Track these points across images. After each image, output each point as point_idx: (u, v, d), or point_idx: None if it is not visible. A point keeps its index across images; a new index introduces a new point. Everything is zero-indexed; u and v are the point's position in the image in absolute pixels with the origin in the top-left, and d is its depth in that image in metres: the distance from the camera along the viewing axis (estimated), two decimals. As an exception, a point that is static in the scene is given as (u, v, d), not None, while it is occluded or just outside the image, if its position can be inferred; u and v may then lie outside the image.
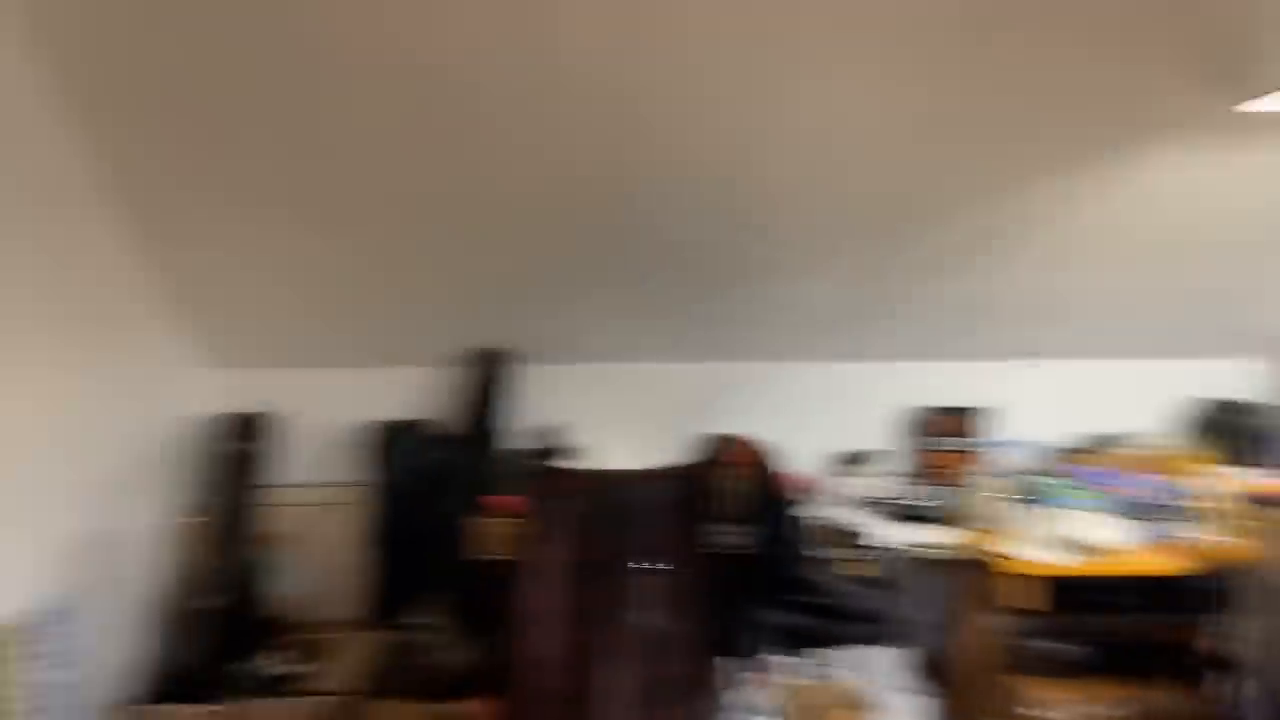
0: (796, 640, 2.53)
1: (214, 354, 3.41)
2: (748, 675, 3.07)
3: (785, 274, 3.28)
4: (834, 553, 2.85)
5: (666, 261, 3.21)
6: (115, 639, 2.87)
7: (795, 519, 2.36)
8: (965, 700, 3.09)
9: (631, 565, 2.31)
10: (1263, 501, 2.39)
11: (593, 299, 3.36)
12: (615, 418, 3.51)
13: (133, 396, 3.05)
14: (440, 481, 3.26)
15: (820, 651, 2.94)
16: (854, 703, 3.00)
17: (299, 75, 2.47)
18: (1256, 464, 3.15)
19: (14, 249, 2.47)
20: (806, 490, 3.25)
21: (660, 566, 2.31)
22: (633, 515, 2.34)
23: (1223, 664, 2.59)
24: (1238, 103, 2.63)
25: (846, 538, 2.89)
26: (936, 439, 3.40)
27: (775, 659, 3.00)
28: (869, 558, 2.52)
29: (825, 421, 3.52)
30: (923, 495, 3.32)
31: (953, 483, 3.32)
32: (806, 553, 2.38)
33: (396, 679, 2.62)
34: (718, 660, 2.46)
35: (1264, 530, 2.43)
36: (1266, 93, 2.52)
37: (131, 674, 2.92)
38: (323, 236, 3.00)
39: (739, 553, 2.32)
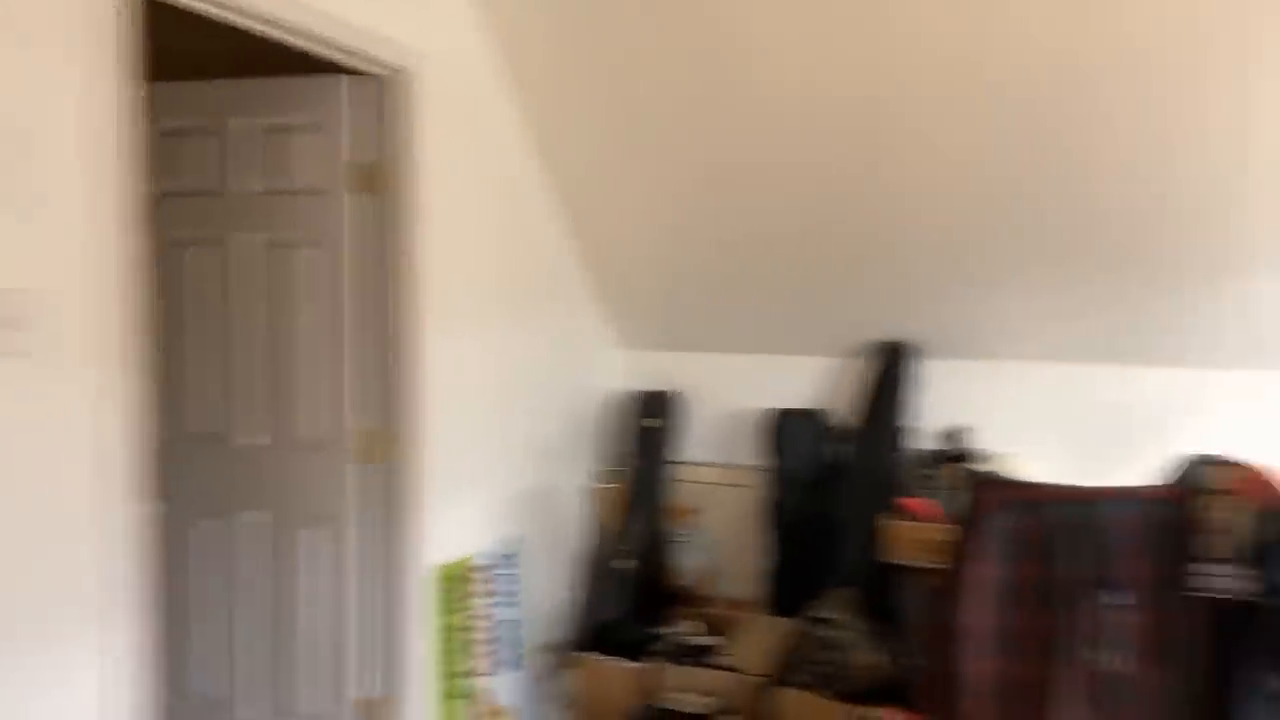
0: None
1: (625, 336, 3.65)
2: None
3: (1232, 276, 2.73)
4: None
5: (1094, 256, 2.84)
6: (547, 586, 3.19)
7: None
8: None
9: (1092, 595, 2.04)
10: None
11: (1012, 291, 3.07)
12: (1036, 422, 3.18)
13: (566, 372, 3.35)
14: (838, 474, 3.19)
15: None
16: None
17: (717, 76, 2.58)
18: None
19: (484, 241, 2.82)
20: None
21: (1129, 601, 2.02)
22: (1098, 538, 2.06)
23: None
24: None
25: None
26: None
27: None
28: None
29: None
30: None
31: None
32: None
33: (807, 670, 2.59)
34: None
35: None
36: None
37: (559, 620, 3.23)
38: (731, 227, 3.08)
39: (1236, 599, 1.95)
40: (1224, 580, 1.97)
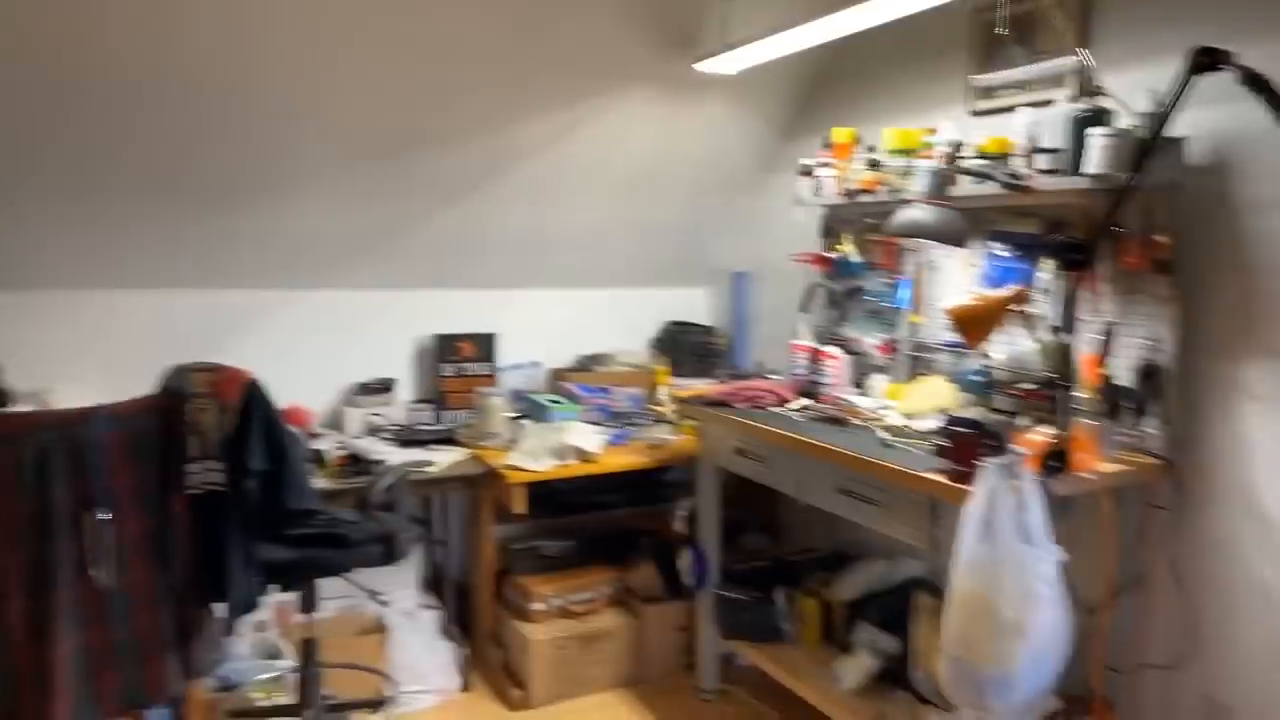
0: (302, 574, 2.46)
1: None
2: (248, 619, 2.91)
3: (285, 197, 3.09)
4: (340, 481, 2.81)
5: (145, 177, 2.83)
6: None
7: (291, 450, 2.25)
8: (477, 603, 3.31)
9: (86, 516, 2.01)
10: (705, 404, 2.90)
11: (52, 215, 2.82)
12: (81, 354, 3.01)
13: None
14: None
15: (329, 582, 2.91)
16: (369, 627, 3.04)
17: None
18: (703, 374, 3.81)
19: None
20: (307, 420, 3.14)
21: (120, 514, 2.05)
22: (86, 458, 2.03)
23: (683, 540, 3.12)
24: (694, 61, 3.08)
25: (355, 464, 2.86)
26: (446, 364, 3.51)
27: (283, 597, 2.90)
28: (380, 483, 2.51)
29: (336, 350, 3.42)
30: (434, 419, 3.42)
31: (462, 405, 3.48)
32: (305, 484, 2.29)
33: None
34: (210, 608, 2.29)
35: (702, 427, 2.96)
36: (712, 55, 2.99)
37: None
38: None
39: (224, 490, 2.15)
40: (212, 475, 2.16)
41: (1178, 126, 2.11)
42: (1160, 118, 1.88)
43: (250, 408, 2.19)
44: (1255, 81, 1.80)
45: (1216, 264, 2.13)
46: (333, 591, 3.00)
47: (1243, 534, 2.10)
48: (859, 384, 3.02)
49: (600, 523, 3.42)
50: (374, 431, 3.26)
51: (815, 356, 3.04)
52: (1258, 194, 2.05)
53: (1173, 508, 2.21)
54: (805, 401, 2.84)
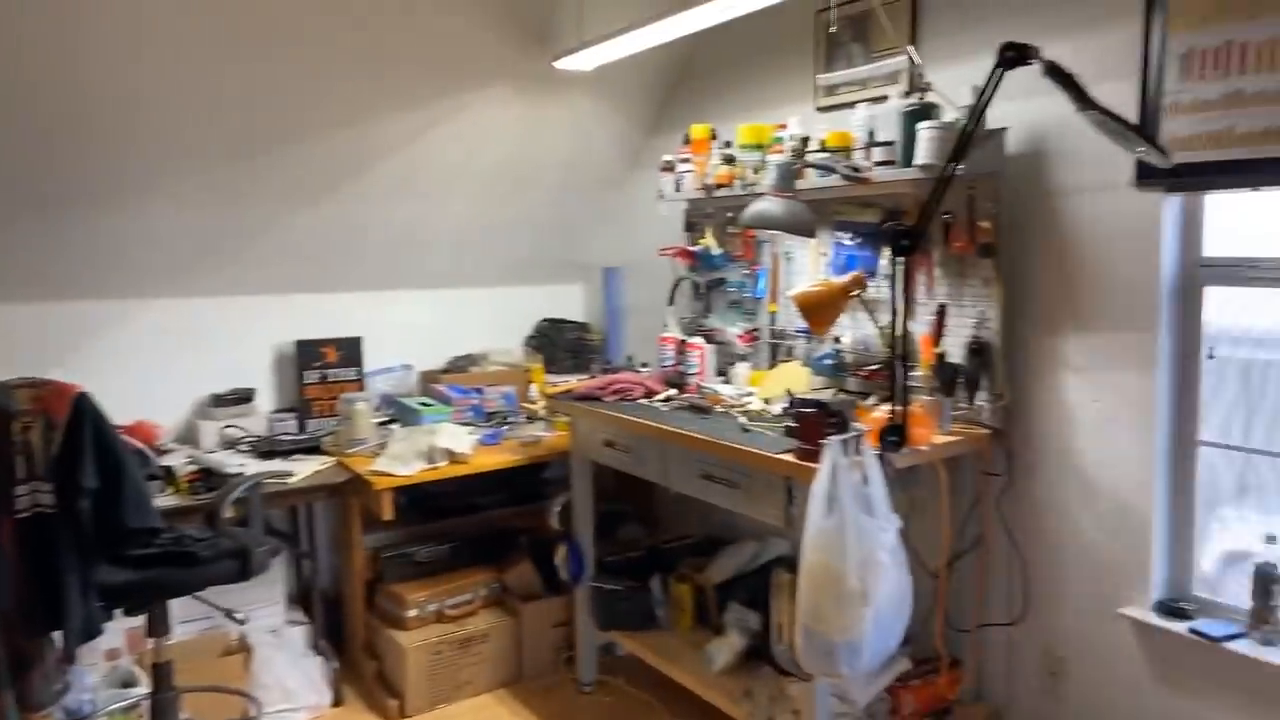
0: (147, 596, 2.33)
1: None
2: (93, 647, 2.75)
3: (129, 201, 2.92)
4: (191, 497, 2.68)
5: None
6: None
7: (127, 466, 2.13)
8: (349, 615, 3.22)
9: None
10: (574, 399, 2.91)
11: None
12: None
13: None
14: None
15: (186, 603, 2.77)
16: (232, 648, 2.91)
17: None
18: (579, 370, 3.83)
19: None
20: (155, 435, 2.99)
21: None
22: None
23: (558, 536, 3.12)
24: (553, 59, 3.09)
25: (208, 479, 2.73)
26: (309, 371, 3.39)
27: (134, 621, 2.74)
28: (228, 497, 2.41)
29: (188, 361, 3.25)
30: (297, 428, 3.31)
31: (328, 413, 3.38)
32: (145, 501, 2.18)
33: None
34: (48, 637, 2.15)
35: (573, 422, 2.97)
36: (570, 53, 3.00)
37: None
38: None
39: (56, 511, 2.02)
40: (32, 497, 2.02)
41: (998, 118, 2.27)
42: (976, 110, 2.01)
43: (79, 423, 2.07)
44: (1057, 73, 1.94)
45: (1036, 246, 2.29)
46: (191, 613, 2.88)
47: (1068, 495, 2.27)
48: (723, 373, 3.10)
49: (478, 524, 3.38)
50: (232, 444, 3.13)
51: (681, 348, 3.10)
52: (1068, 179, 2.22)
53: (1005, 474, 2.37)
54: (671, 392, 2.89)
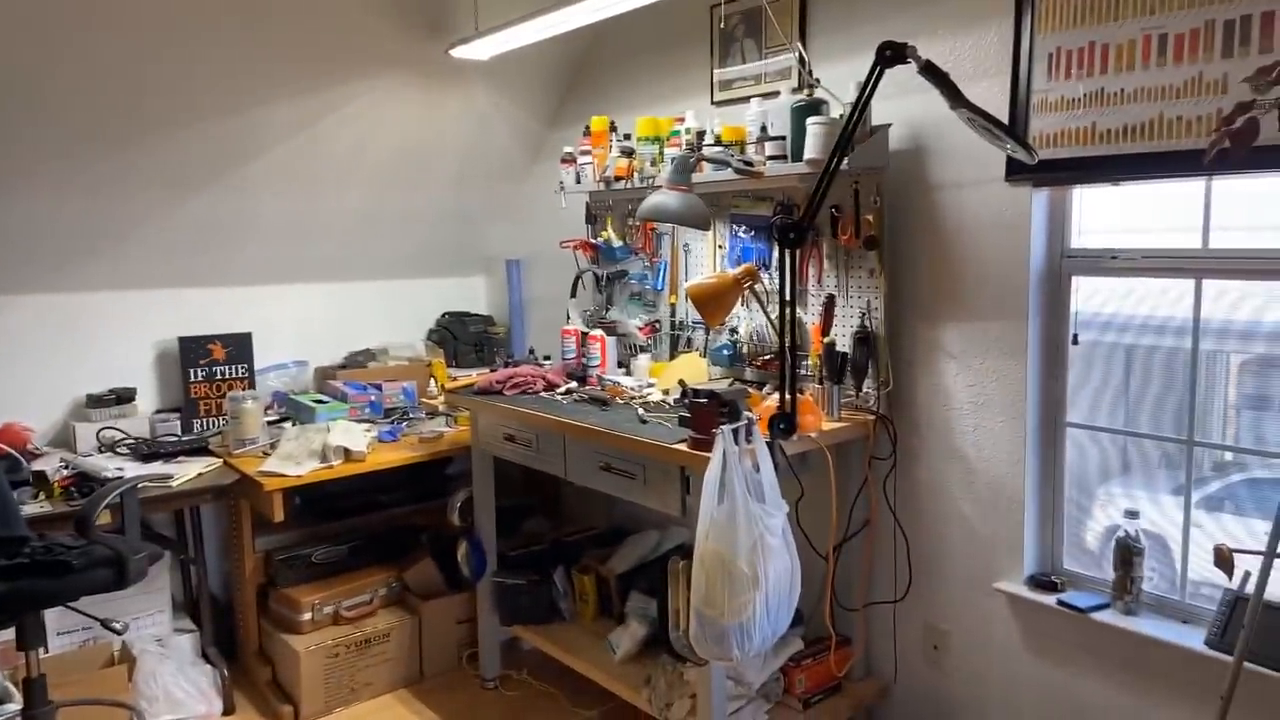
0: (16, 607, 2.20)
1: None
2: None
3: (1, 188, 2.75)
4: (65, 503, 2.54)
5: None
6: None
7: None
8: (239, 619, 3.11)
9: None
10: (474, 393, 2.87)
11: None
12: None
13: None
14: None
15: (61, 615, 2.63)
16: (114, 659, 2.78)
17: None
18: (483, 364, 3.79)
19: None
20: (24, 439, 2.83)
21: None
22: None
23: (460, 532, 3.08)
24: (448, 47, 3.04)
25: (84, 484, 2.59)
26: (195, 369, 3.25)
27: (2, 633, 2.59)
28: (100, 502, 2.28)
29: (61, 360, 3.08)
30: (182, 428, 3.17)
31: (215, 412, 3.25)
32: (11, 509, 2.06)
33: None
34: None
35: (473, 416, 2.93)
36: (465, 41, 2.96)
37: None
38: None
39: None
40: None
41: (882, 115, 2.34)
42: (856, 106, 2.06)
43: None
44: (932, 72, 2.02)
45: (916, 238, 2.38)
46: (68, 624, 2.73)
47: (949, 477, 2.37)
48: (624, 364, 3.12)
49: (378, 522, 3.31)
50: (110, 446, 2.97)
51: (583, 340, 3.10)
52: (946, 174, 2.31)
53: (890, 458, 2.45)
54: (573, 385, 2.89)
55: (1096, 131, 2.03)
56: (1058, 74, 2.09)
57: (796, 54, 2.56)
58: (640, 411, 2.49)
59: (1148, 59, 1.93)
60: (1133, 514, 2.09)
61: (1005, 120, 2.10)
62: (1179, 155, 1.88)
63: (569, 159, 3.17)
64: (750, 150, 2.55)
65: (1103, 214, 2.17)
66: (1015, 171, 2.15)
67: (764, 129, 2.50)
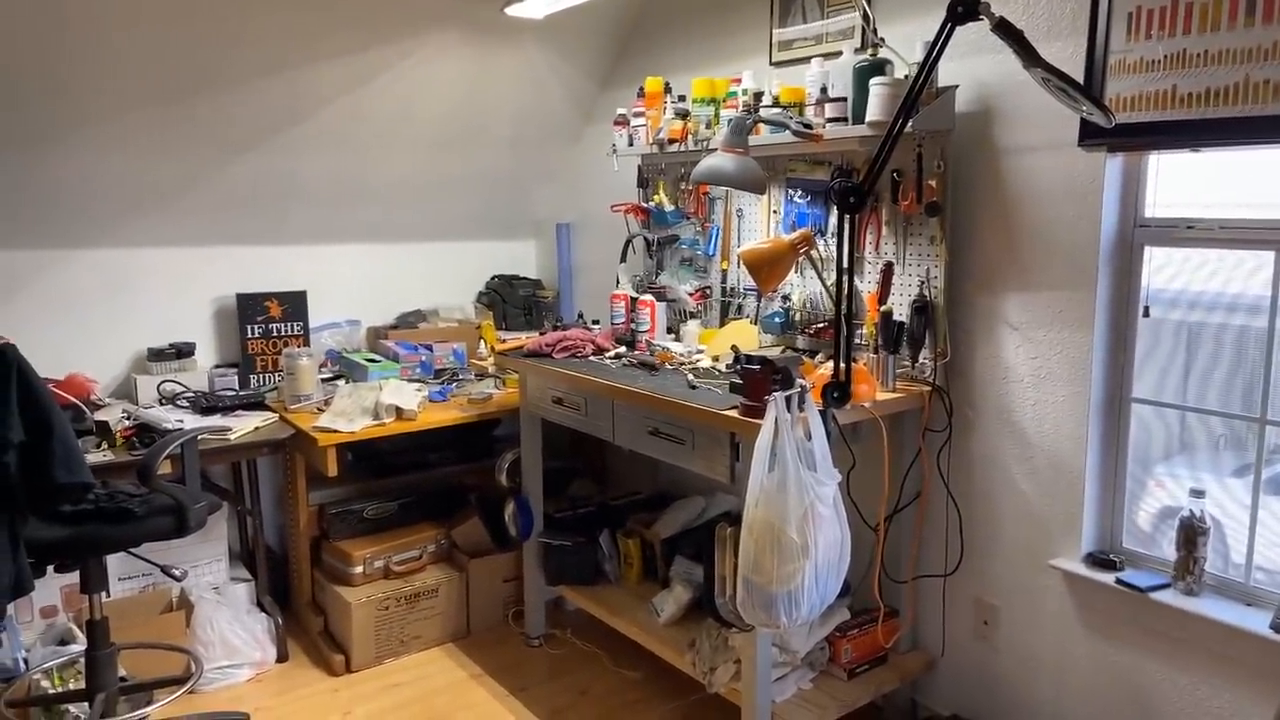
0: (80, 552, 2.28)
1: None
2: (24, 603, 2.70)
3: (57, 147, 2.80)
4: (127, 453, 2.61)
5: None
6: None
7: (56, 420, 2.06)
8: (293, 570, 3.19)
9: None
10: (523, 355, 2.88)
11: None
12: None
13: None
14: None
15: (126, 560, 2.72)
16: (174, 604, 2.87)
17: None
18: (532, 327, 3.80)
19: None
20: (88, 390, 2.91)
21: None
22: None
23: (507, 492, 3.11)
24: (503, 5, 3.00)
25: (145, 435, 2.66)
26: (252, 325, 3.31)
27: (68, 577, 2.69)
28: (161, 452, 2.34)
29: (122, 314, 3.16)
30: (240, 383, 3.24)
31: (271, 368, 3.31)
32: (76, 457, 2.11)
33: None
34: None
35: (523, 379, 2.94)
36: (523, -1, 2.92)
37: None
38: None
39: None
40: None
41: (948, 76, 2.26)
42: (925, 66, 1.99)
43: (4, 376, 1.99)
44: (1006, 30, 1.94)
45: (981, 204, 2.31)
46: (130, 570, 2.83)
47: (1005, 451, 2.32)
48: (673, 330, 3.09)
49: (427, 481, 3.36)
50: (170, 399, 3.05)
51: (633, 305, 3.08)
52: (1014, 138, 2.23)
53: (945, 430, 2.41)
54: (621, 349, 2.88)
55: (1177, 95, 1.93)
56: (1137, 34, 2.00)
57: (861, 12, 2.48)
58: (690, 377, 2.47)
59: (1235, 19, 1.83)
60: (1198, 493, 2.02)
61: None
62: (1265, 121, 1.78)
63: (622, 121, 3.13)
64: (809, 112, 2.49)
65: (1177, 184, 2.07)
66: (1089, 136, 2.06)
67: (824, 90, 2.44)
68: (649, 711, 2.69)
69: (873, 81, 2.24)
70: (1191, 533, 2.01)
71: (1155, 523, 2.19)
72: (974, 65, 2.26)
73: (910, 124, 2.04)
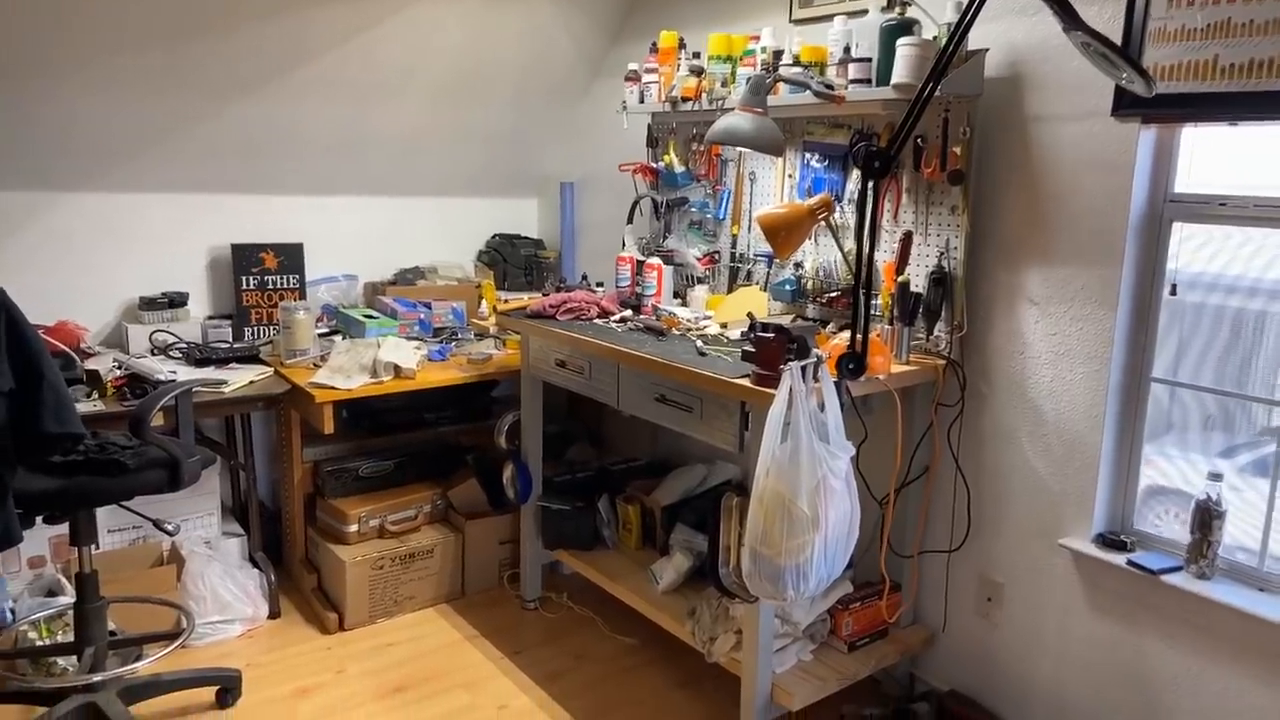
0: (70, 504, 2.22)
1: None
2: (14, 554, 2.65)
3: (46, 87, 2.68)
4: (118, 403, 2.55)
5: None
6: None
7: (46, 368, 1.99)
8: (286, 527, 3.15)
9: None
10: (526, 316, 2.81)
11: None
12: None
13: None
14: None
15: (115, 513, 2.67)
16: (165, 558, 2.83)
17: None
18: (533, 287, 3.73)
19: None
20: (78, 338, 2.83)
21: None
22: None
23: (505, 454, 3.06)
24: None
25: (137, 385, 2.60)
26: (247, 277, 3.22)
27: (58, 529, 2.64)
28: (154, 404, 2.27)
29: (112, 261, 3.07)
30: (233, 336, 3.16)
31: (266, 321, 3.23)
32: (66, 406, 2.04)
33: None
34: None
35: (524, 340, 2.88)
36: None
37: None
38: None
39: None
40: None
41: (978, 39, 2.18)
42: (959, 26, 1.91)
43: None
44: (1043, -9, 1.86)
45: (1005, 174, 2.24)
46: (120, 522, 2.78)
47: (1018, 428, 2.28)
48: (680, 295, 3.03)
49: (424, 440, 3.31)
50: (163, 350, 2.97)
51: (639, 268, 3.01)
52: (1043, 106, 2.15)
53: (957, 404, 2.36)
54: (627, 313, 2.82)
55: (1218, 65, 1.86)
56: (1179, 1, 1.92)
57: (889, -31, 2.38)
58: (699, 344, 2.41)
59: (1283, -13, 1.76)
60: (1216, 476, 1.99)
61: (1118, 49, 1.93)
62: (1312, 94, 1.72)
63: (633, 77, 3.03)
64: (831, 73, 2.40)
65: (1210, 160, 2.01)
66: (1124, 106, 1.99)
67: (847, 50, 2.35)
68: (645, 677, 2.67)
69: (900, 42, 2.15)
70: (1207, 515, 1.97)
71: (1144, 498, 2.16)
72: (1007, 28, 2.18)
73: (939, 88, 1.97)
